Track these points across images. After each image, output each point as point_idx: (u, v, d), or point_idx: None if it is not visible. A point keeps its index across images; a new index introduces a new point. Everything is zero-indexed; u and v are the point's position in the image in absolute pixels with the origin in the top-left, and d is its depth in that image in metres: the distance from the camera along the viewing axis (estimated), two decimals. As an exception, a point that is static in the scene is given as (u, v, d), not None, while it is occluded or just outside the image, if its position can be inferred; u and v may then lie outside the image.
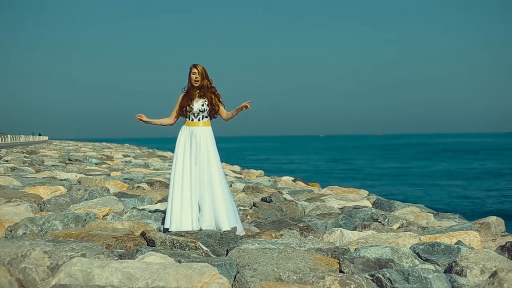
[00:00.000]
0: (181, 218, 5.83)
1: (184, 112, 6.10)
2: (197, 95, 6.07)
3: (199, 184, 5.91)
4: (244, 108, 5.94)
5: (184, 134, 6.06)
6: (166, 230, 5.84)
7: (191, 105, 6.04)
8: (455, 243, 5.51)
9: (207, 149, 5.96)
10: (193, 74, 6.04)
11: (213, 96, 6.07)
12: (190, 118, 6.07)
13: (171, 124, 6.25)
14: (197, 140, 5.97)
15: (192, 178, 5.91)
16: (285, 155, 79.80)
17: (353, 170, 45.29)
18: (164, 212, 6.79)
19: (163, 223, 6.12)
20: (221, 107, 6.14)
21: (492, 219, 7.16)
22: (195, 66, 6.06)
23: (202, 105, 6.03)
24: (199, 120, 6.05)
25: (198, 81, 6.03)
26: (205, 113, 6.05)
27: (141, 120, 6.12)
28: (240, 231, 5.90)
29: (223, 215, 5.82)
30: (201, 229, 5.78)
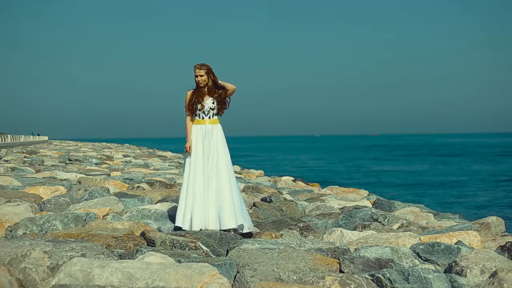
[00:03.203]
0: (193, 216, 5.83)
1: (194, 109, 6.07)
2: (206, 93, 6.06)
3: (210, 182, 5.92)
4: None
5: (195, 133, 6.05)
6: (177, 229, 5.84)
7: (202, 103, 6.03)
8: (455, 243, 5.51)
9: (217, 146, 5.98)
10: (197, 77, 5.99)
11: (220, 92, 6.04)
12: (201, 117, 6.06)
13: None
14: (209, 138, 5.98)
15: (205, 176, 5.92)
16: (285, 155, 79.76)
17: (353, 170, 45.28)
18: (164, 212, 6.78)
19: (173, 221, 6.09)
20: (224, 84, 6.04)
21: (492, 219, 7.16)
22: (199, 68, 6.00)
23: (213, 102, 6.04)
24: (209, 118, 6.06)
25: (202, 82, 6.01)
26: (214, 111, 6.06)
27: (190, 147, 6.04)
28: (251, 228, 5.94)
29: (229, 212, 5.80)
30: (201, 230, 5.77)
